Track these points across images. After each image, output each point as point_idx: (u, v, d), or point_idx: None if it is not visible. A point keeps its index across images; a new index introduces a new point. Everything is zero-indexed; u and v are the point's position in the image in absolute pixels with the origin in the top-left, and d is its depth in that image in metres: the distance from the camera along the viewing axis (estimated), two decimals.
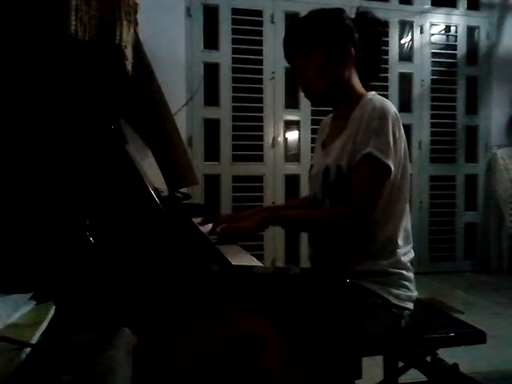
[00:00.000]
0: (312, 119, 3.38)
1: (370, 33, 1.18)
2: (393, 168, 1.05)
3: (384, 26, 1.20)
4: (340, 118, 1.20)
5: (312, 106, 1.31)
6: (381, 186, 1.05)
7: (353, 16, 1.20)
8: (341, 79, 1.16)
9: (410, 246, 1.14)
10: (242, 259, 1.01)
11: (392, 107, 1.08)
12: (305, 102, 3.40)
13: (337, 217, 1.09)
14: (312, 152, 1.46)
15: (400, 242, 1.10)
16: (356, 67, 1.17)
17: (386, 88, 3.54)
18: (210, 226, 1.38)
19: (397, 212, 1.11)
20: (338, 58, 1.14)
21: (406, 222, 1.13)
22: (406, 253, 1.12)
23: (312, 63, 1.15)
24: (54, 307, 0.69)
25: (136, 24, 1.28)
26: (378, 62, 1.24)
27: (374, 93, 1.16)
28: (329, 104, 1.24)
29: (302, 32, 1.17)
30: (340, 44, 1.14)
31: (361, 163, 1.06)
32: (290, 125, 3.49)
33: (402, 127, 1.09)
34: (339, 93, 1.17)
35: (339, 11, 1.17)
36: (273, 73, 3.36)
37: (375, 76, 1.24)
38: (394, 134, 1.05)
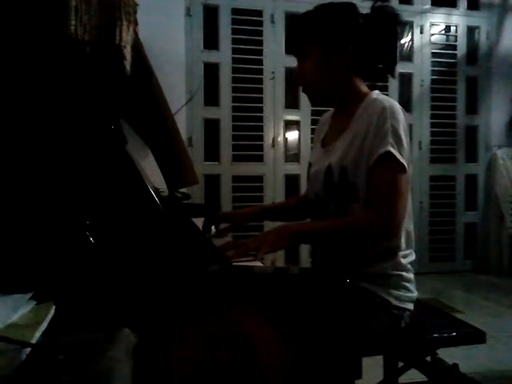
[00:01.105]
0: (312, 119, 3.38)
1: (385, 29, 1.13)
2: (407, 168, 1.04)
3: (402, 23, 1.15)
4: (342, 116, 1.18)
5: (312, 105, 1.27)
6: (405, 186, 1.03)
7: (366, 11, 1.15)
8: (339, 78, 1.14)
9: (412, 248, 1.14)
10: (242, 259, 1.01)
11: (400, 107, 1.06)
12: (305, 102, 3.40)
13: (367, 225, 1.04)
14: None
15: (402, 244, 1.09)
16: (358, 66, 1.15)
17: (386, 88, 3.53)
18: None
19: None
20: (334, 56, 1.12)
21: (409, 225, 1.12)
22: (407, 255, 1.11)
23: (310, 61, 1.14)
24: (54, 307, 0.69)
25: (136, 24, 1.28)
26: (392, 60, 1.18)
27: (377, 92, 1.14)
28: (328, 103, 1.23)
29: (303, 28, 1.15)
30: (338, 42, 1.12)
31: (379, 162, 1.03)
32: (290, 125, 3.50)
33: (407, 128, 1.07)
34: (339, 92, 1.16)
35: (348, 6, 1.14)
36: (273, 73, 3.36)
37: (390, 74, 1.20)
38: (405, 133, 1.05)
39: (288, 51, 1.23)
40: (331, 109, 1.29)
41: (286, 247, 1.05)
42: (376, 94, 1.13)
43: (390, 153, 1.01)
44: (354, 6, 1.15)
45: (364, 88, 1.16)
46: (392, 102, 1.07)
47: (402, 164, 1.02)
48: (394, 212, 1.01)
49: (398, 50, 1.19)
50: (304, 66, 1.16)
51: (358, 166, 1.07)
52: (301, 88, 1.22)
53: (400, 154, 1.02)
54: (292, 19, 1.21)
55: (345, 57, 1.12)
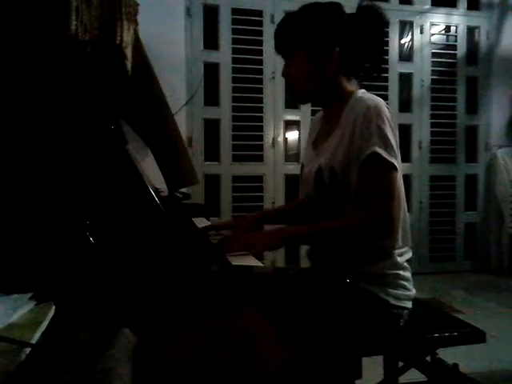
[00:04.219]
0: (312, 119, 3.38)
1: (371, 29, 1.14)
2: (397, 166, 1.04)
3: (386, 22, 1.16)
4: (330, 116, 1.19)
5: (298, 102, 1.30)
6: (395, 186, 1.03)
7: (353, 10, 1.15)
8: (325, 79, 1.14)
9: (408, 246, 1.14)
10: (242, 259, 1.01)
11: (384, 105, 1.06)
12: None
13: (357, 226, 1.04)
14: None
15: (397, 242, 1.09)
16: (344, 66, 1.15)
17: (386, 88, 3.54)
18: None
19: None
20: (321, 58, 1.12)
21: (404, 223, 1.12)
22: (403, 253, 1.12)
23: (295, 62, 1.14)
24: (54, 307, 0.69)
25: (136, 24, 1.28)
26: (378, 60, 1.20)
27: (363, 91, 1.14)
28: (315, 102, 1.23)
29: (288, 30, 1.16)
30: (324, 44, 1.12)
31: (367, 164, 1.03)
32: (290, 125, 3.49)
33: (396, 124, 1.07)
34: (325, 92, 1.16)
35: (334, 6, 1.14)
36: (273, 73, 3.36)
37: (376, 74, 1.20)
38: (392, 131, 1.04)
39: (276, 52, 1.23)
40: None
41: (279, 248, 1.06)
42: (361, 92, 1.13)
43: (376, 153, 1.01)
44: (339, 5, 1.15)
45: (350, 87, 1.17)
46: (377, 100, 1.07)
47: (391, 163, 1.02)
48: (388, 211, 1.01)
49: (384, 49, 1.20)
50: (290, 68, 1.16)
51: (347, 166, 1.06)
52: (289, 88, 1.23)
53: (388, 153, 1.02)
54: (279, 22, 1.21)
55: (331, 58, 1.12)
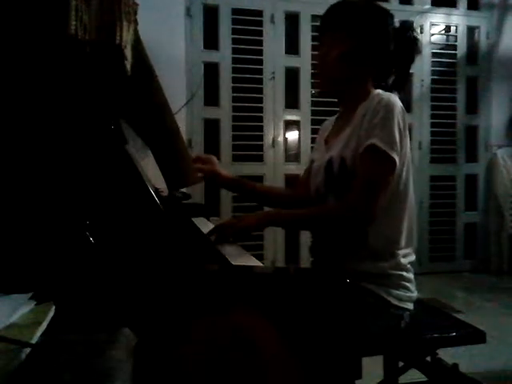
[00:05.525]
0: (312, 119, 3.38)
1: (406, 48, 1.17)
2: (397, 161, 1.03)
3: (420, 49, 1.19)
4: (345, 114, 1.19)
5: (315, 88, 1.30)
6: (384, 179, 1.04)
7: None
8: (357, 73, 1.15)
9: (412, 247, 1.14)
10: (242, 259, 1.01)
11: (398, 102, 1.07)
12: (305, 102, 3.40)
13: (336, 213, 1.08)
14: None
15: (401, 243, 1.09)
16: (376, 71, 1.18)
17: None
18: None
19: (399, 212, 1.10)
20: (364, 52, 1.13)
21: (410, 223, 1.11)
22: (407, 254, 1.11)
23: (339, 46, 1.14)
24: (54, 307, 0.69)
25: (136, 24, 1.28)
26: (402, 78, 1.22)
27: (381, 90, 1.15)
28: (335, 93, 1.23)
29: (346, 12, 1.15)
30: (370, 39, 1.13)
31: (364, 155, 1.04)
32: (290, 125, 3.49)
33: (407, 124, 1.07)
34: (350, 85, 1.17)
35: (389, 13, 1.17)
36: (273, 73, 3.36)
37: (395, 89, 1.22)
38: (399, 128, 1.04)
39: (320, 31, 1.24)
40: (329, 109, 1.30)
41: (260, 230, 1.16)
42: (379, 91, 1.14)
43: (374, 145, 1.02)
44: (392, 16, 1.17)
45: (371, 88, 1.17)
46: (392, 97, 1.07)
47: (389, 156, 1.02)
48: (369, 204, 1.02)
49: (409, 72, 1.21)
50: (328, 52, 1.15)
51: (356, 156, 1.07)
52: (315, 68, 1.23)
53: (388, 146, 1.02)
54: (336, 2, 1.21)
55: (369, 58, 1.14)
